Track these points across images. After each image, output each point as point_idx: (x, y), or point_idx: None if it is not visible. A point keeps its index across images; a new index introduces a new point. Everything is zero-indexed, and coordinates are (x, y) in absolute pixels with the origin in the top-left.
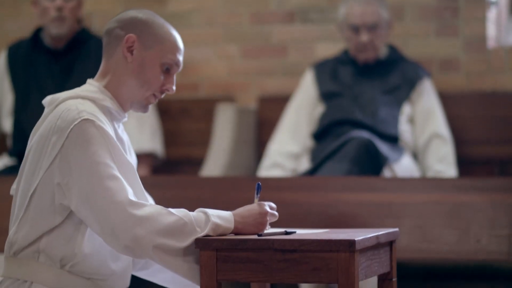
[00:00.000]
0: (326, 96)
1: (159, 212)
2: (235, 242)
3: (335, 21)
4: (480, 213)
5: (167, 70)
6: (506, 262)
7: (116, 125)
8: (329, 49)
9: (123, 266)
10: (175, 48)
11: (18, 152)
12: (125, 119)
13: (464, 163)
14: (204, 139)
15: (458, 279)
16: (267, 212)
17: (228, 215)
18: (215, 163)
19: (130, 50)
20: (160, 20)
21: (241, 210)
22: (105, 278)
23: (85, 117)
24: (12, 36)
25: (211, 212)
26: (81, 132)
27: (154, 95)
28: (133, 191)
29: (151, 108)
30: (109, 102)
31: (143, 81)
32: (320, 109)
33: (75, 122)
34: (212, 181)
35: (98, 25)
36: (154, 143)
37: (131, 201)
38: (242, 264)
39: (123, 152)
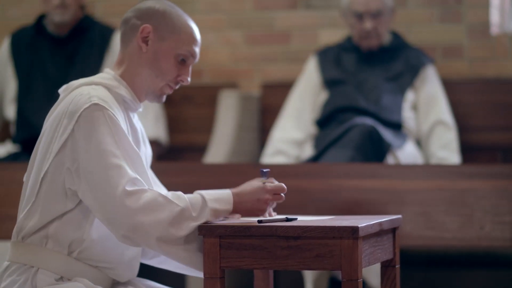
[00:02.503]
0: (329, 83)
1: (155, 200)
2: (238, 229)
3: (338, 8)
4: (484, 199)
5: (183, 61)
6: (510, 248)
7: (130, 115)
8: (332, 36)
9: (131, 254)
10: (191, 39)
11: (21, 139)
12: (140, 109)
13: (468, 149)
14: (207, 125)
15: (461, 266)
16: (267, 199)
17: (227, 196)
18: (219, 150)
19: (145, 40)
20: (178, 11)
21: (242, 188)
22: (112, 266)
23: (95, 101)
24: (15, 23)
25: (208, 196)
26: (89, 117)
27: (169, 85)
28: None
29: None
30: (123, 91)
31: (158, 72)
32: (323, 96)
33: (85, 106)
34: (216, 168)
35: (100, 12)
36: (157, 130)
37: (128, 191)
38: (245, 251)
39: (130, 140)
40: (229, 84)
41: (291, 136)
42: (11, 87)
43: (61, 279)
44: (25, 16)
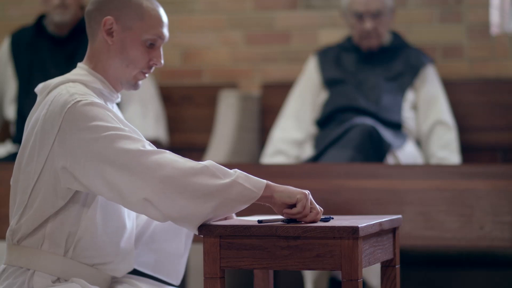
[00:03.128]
0: (329, 83)
1: (176, 158)
2: (238, 229)
3: (338, 8)
4: (483, 199)
5: (151, 45)
6: (509, 248)
7: (110, 106)
8: (332, 36)
9: (126, 248)
10: (156, 22)
11: (21, 139)
12: (118, 100)
13: (468, 149)
14: (207, 126)
15: (461, 266)
16: (302, 210)
17: (259, 182)
18: (219, 150)
19: (109, 32)
20: None
21: (281, 187)
22: (108, 261)
23: (78, 99)
24: (15, 23)
25: (241, 173)
26: (76, 113)
27: (142, 72)
28: None
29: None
30: (99, 84)
31: (128, 61)
32: (323, 96)
33: (69, 105)
34: None
35: None
36: (157, 130)
37: (148, 150)
38: (245, 251)
39: (124, 120)
40: (229, 84)
41: (291, 136)
42: (11, 87)
43: (57, 280)
44: (25, 16)
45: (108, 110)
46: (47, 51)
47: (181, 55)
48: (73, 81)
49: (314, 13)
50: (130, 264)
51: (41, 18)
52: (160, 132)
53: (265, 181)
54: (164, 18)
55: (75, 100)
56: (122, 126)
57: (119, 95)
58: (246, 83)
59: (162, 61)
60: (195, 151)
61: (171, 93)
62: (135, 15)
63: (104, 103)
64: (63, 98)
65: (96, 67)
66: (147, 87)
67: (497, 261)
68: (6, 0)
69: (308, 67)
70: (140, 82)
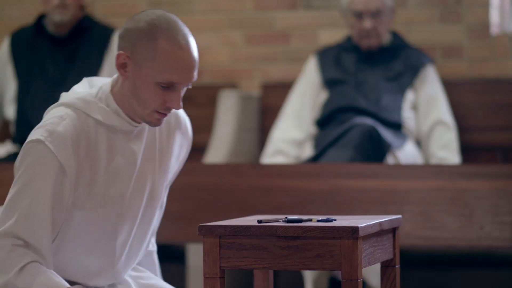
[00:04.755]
0: (329, 83)
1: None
2: (238, 229)
3: (338, 8)
4: (483, 200)
5: (168, 88)
6: (509, 248)
7: (121, 138)
8: (332, 36)
9: (97, 267)
10: (173, 65)
11: (21, 139)
12: (139, 128)
13: (467, 150)
14: (207, 126)
15: (461, 266)
16: None
17: None
18: (218, 150)
19: (123, 67)
20: (164, 29)
21: None
22: (80, 278)
23: (40, 138)
24: (14, 23)
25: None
26: (22, 156)
27: (157, 112)
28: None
29: None
30: (100, 115)
31: (139, 100)
32: (323, 96)
33: (27, 142)
34: (216, 168)
35: (100, 12)
36: None
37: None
38: (245, 251)
39: (48, 196)
40: (229, 84)
41: (291, 136)
42: (11, 87)
43: None
44: (25, 16)
45: (41, 178)
46: (47, 51)
47: None
48: (76, 108)
49: (314, 13)
50: (112, 280)
51: (41, 18)
52: None
53: None
54: (188, 60)
55: (34, 139)
56: (18, 203)
57: (142, 124)
58: (246, 83)
59: (181, 105)
60: (195, 151)
61: None
62: (147, 54)
63: (96, 140)
64: (37, 131)
65: (117, 92)
66: None
67: (497, 261)
68: (6, 0)
69: (308, 67)
70: (160, 120)
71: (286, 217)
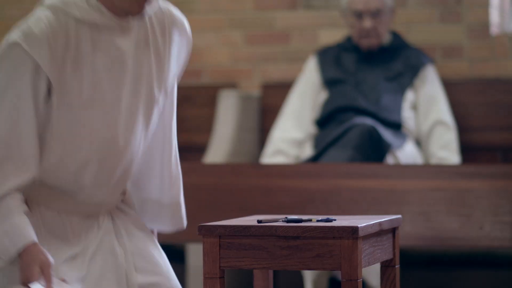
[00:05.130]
0: (329, 82)
1: None
2: (238, 229)
3: (338, 8)
4: (483, 199)
5: None
6: (509, 248)
7: (106, 36)
8: (332, 36)
9: (90, 181)
10: None
11: None
12: (124, 24)
13: (467, 149)
14: (207, 126)
15: (461, 266)
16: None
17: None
18: (218, 150)
19: None
20: None
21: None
22: (74, 191)
23: (17, 40)
24: (15, 23)
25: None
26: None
27: (137, 2)
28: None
29: None
30: (78, 11)
31: None
32: (323, 95)
33: (4, 41)
34: (215, 168)
35: None
36: None
37: None
38: (245, 251)
39: (26, 95)
40: (229, 84)
41: (291, 136)
42: None
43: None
44: (25, 16)
45: (18, 77)
46: None
47: None
48: (55, 8)
49: (314, 13)
50: (109, 197)
51: None
52: None
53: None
54: None
55: (12, 40)
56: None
57: (128, 20)
58: (246, 83)
59: None
60: (195, 151)
61: None
62: None
63: (86, 35)
64: (15, 30)
65: None
66: None
67: (497, 261)
68: (6, 0)
69: (308, 67)
70: (144, 5)
71: (286, 217)
